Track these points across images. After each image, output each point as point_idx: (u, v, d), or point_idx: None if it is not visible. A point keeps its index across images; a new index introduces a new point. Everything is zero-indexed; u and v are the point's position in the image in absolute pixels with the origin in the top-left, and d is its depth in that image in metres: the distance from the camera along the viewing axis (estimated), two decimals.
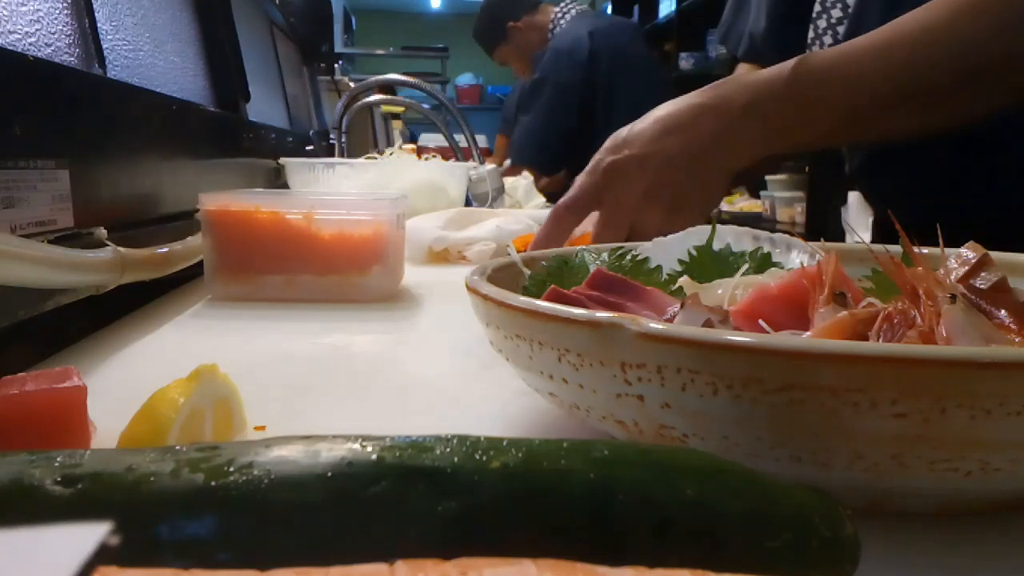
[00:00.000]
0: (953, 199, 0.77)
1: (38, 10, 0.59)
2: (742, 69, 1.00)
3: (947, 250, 0.36)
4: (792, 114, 0.61)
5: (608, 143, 0.66)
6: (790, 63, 0.61)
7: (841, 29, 0.81)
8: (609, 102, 2.39)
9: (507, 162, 2.62)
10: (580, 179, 0.67)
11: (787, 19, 0.91)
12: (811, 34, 0.84)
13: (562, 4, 2.59)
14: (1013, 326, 0.29)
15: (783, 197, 2.82)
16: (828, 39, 0.82)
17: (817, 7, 0.83)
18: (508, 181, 1.72)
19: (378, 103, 2.02)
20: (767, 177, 2.87)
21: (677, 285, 0.43)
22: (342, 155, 1.60)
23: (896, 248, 0.40)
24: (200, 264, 0.66)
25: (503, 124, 3.50)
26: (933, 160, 0.76)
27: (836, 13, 0.81)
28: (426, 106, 2.17)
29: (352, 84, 2.06)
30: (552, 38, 2.55)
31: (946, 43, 0.58)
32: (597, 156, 0.66)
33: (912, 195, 0.81)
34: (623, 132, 0.66)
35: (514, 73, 2.91)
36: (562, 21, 2.56)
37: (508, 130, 3.16)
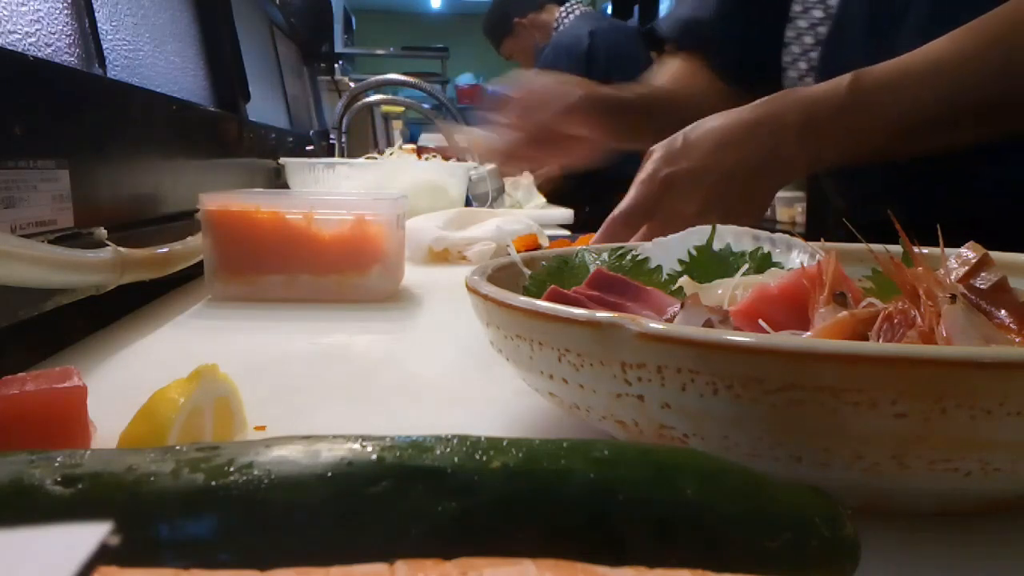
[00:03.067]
0: (923, 196, 0.78)
1: (38, 10, 0.59)
2: (670, 59, 0.99)
3: (947, 250, 0.36)
4: (846, 131, 0.62)
5: (662, 152, 0.66)
6: (844, 79, 0.61)
7: (822, 30, 0.81)
8: None
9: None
10: (636, 190, 0.66)
11: (740, 14, 0.92)
12: (790, 33, 0.84)
13: (567, 4, 2.63)
14: (1013, 326, 0.29)
15: (783, 197, 2.82)
16: (809, 39, 0.82)
17: (797, 7, 0.83)
18: (508, 181, 1.72)
19: (378, 103, 2.02)
20: None
21: (677, 285, 0.43)
22: (342, 155, 1.60)
23: (896, 248, 0.40)
24: (200, 264, 0.66)
25: None
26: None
27: (817, 13, 0.81)
28: (426, 106, 2.17)
29: (352, 84, 2.06)
30: (555, 34, 2.59)
31: (997, 60, 0.59)
32: (652, 166, 0.66)
33: (879, 192, 0.82)
34: (677, 142, 0.65)
35: (507, 56, 2.95)
36: (566, 20, 2.61)
37: None
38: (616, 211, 0.66)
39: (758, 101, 0.65)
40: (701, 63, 0.96)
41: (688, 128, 0.66)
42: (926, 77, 0.60)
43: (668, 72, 0.98)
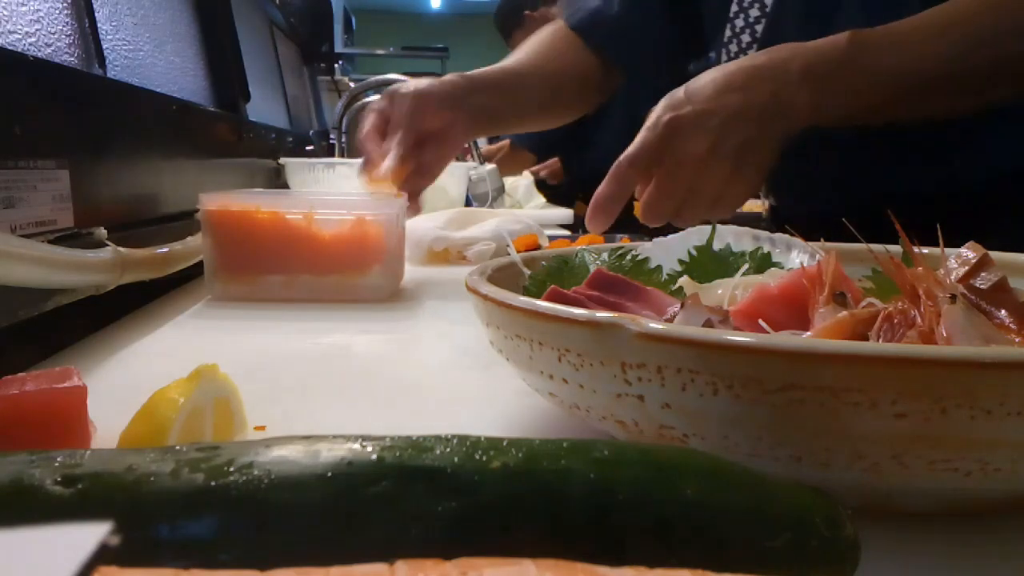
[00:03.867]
0: (858, 187, 0.78)
1: (38, 10, 0.59)
2: (559, 30, 0.98)
3: (947, 250, 0.36)
4: (844, 83, 0.62)
5: (665, 101, 0.65)
6: (844, 35, 0.62)
7: (759, 28, 0.81)
8: None
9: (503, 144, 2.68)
10: (641, 135, 0.65)
11: (652, 17, 0.93)
12: (727, 32, 0.85)
13: None
14: (1013, 326, 0.29)
15: None
16: (746, 37, 0.83)
17: (734, 7, 0.84)
18: (508, 181, 1.72)
19: None
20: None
21: (677, 285, 0.43)
22: (342, 155, 1.60)
23: (896, 248, 0.40)
24: (200, 264, 0.66)
25: None
26: (839, 149, 0.77)
27: (754, 12, 0.82)
28: None
29: (352, 84, 2.06)
30: None
31: (988, 28, 0.61)
32: (656, 113, 0.65)
33: (812, 185, 0.82)
34: (679, 91, 0.65)
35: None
36: None
37: None
38: (622, 156, 0.64)
39: (760, 51, 0.65)
40: (581, 46, 0.96)
41: (689, 81, 0.66)
42: (929, 34, 0.61)
43: (539, 43, 0.97)
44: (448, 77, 0.85)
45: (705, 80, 0.64)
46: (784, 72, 0.62)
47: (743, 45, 0.84)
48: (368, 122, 0.79)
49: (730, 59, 0.86)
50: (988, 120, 0.68)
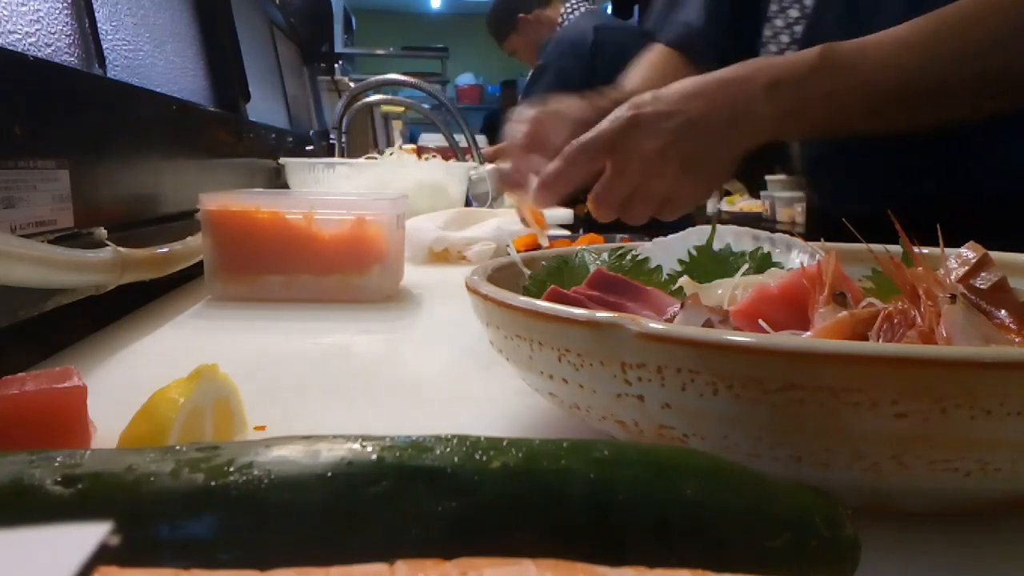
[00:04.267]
0: (899, 194, 0.78)
1: (38, 10, 0.59)
2: (661, 51, 1.01)
3: (947, 250, 0.36)
4: (811, 98, 0.62)
5: (634, 99, 0.66)
6: (815, 50, 0.62)
7: (799, 28, 0.81)
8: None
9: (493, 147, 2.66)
10: (599, 124, 0.65)
11: (725, 19, 0.94)
12: (767, 32, 0.85)
13: (571, 2, 2.63)
14: (1013, 326, 0.29)
15: (783, 197, 2.82)
16: (785, 38, 0.83)
17: (774, 7, 0.84)
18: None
19: (378, 103, 2.02)
20: (767, 177, 2.87)
21: (677, 285, 0.43)
22: (342, 155, 1.60)
23: (896, 248, 0.40)
24: (200, 264, 0.66)
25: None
26: (881, 155, 0.77)
27: (793, 13, 0.82)
28: (426, 106, 2.17)
29: (352, 84, 2.06)
30: (560, 28, 2.58)
31: (957, 46, 0.60)
32: (621, 107, 0.65)
33: (856, 190, 0.82)
34: (646, 95, 0.66)
35: (510, 53, 2.94)
36: (570, 16, 2.60)
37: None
38: (576, 141, 0.65)
39: (734, 65, 0.65)
40: (684, 60, 0.98)
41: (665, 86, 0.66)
42: (906, 49, 0.61)
43: (652, 66, 0.99)
44: (599, 103, 0.85)
45: (676, 86, 0.65)
46: (749, 84, 0.63)
47: (782, 46, 0.84)
48: (518, 131, 0.77)
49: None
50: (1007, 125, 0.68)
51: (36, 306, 0.49)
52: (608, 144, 0.64)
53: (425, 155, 1.58)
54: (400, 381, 0.45)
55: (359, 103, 1.72)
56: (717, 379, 0.24)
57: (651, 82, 0.97)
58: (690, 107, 0.63)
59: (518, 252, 0.45)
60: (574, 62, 2.43)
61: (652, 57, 1.01)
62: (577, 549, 0.18)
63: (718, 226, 0.48)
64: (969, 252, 0.34)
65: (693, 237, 0.47)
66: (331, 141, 1.66)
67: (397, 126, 3.11)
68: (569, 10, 2.61)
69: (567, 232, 1.22)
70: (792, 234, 0.46)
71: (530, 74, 2.65)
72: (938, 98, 0.61)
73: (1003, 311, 0.30)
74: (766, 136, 0.64)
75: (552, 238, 0.98)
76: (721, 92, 0.64)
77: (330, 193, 1.06)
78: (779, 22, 0.84)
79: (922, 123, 0.64)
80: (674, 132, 0.63)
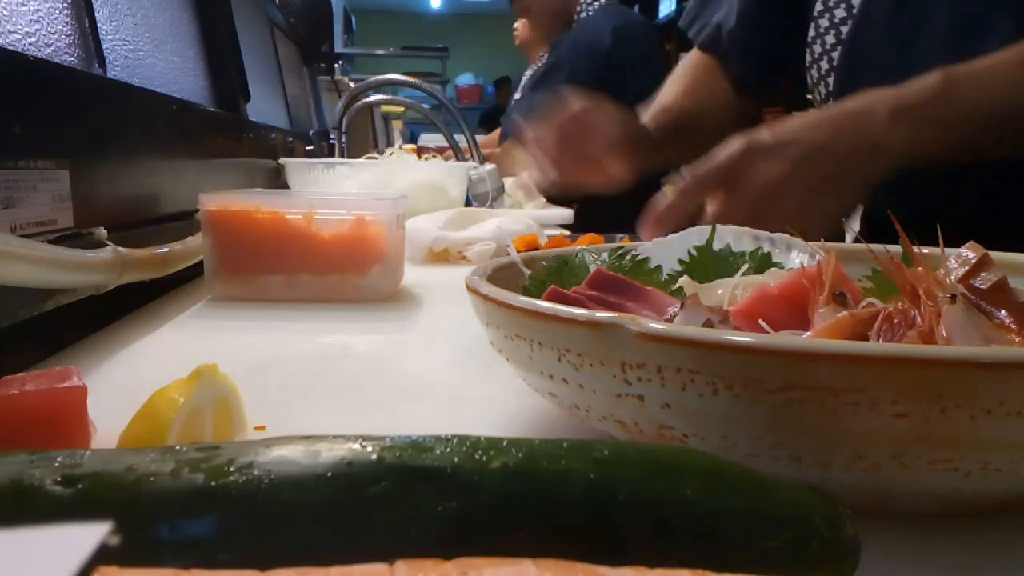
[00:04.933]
0: (946, 198, 0.78)
1: (38, 10, 0.59)
2: (695, 56, 1.00)
3: (947, 250, 0.36)
4: (937, 118, 0.61)
5: (743, 135, 0.64)
6: (936, 75, 0.61)
7: (845, 29, 0.81)
8: (616, 100, 2.41)
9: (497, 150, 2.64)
10: (714, 155, 0.64)
11: (762, 19, 0.93)
12: (812, 32, 0.84)
13: None
14: (1013, 326, 0.29)
15: None
16: (831, 39, 0.82)
17: (819, 6, 0.83)
18: (508, 181, 1.72)
19: (378, 103, 2.02)
20: None
21: (677, 285, 0.43)
22: (342, 155, 1.60)
23: (896, 248, 0.40)
24: (200, 264, 0.66)
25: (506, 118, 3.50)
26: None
27: (840, 13, 0.81)
28: (426, 106, 2.17)
29: (352, 84, 2.06)
30: (576, 23, 2.52)
31: None
32: (733, 140, 0.64)
33: (905, 191, 0.82)
34: (763, 131, 0.64)
35: (519, 41, 2.89)
36: (590, 9, 2.54)
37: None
38: (692, 174, 0.63)
39: (848, 98, 0.64)
40: (717, 66, 0.97)
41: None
42: (1010, 74, 0.61)
43: (687, 76, 0.99)
44: (635, 121, 0.85)
45: (796, 119, 0.64)
46: (871, 113, 0.62)
47: (827, 47, 0.83)
48: (562, 116, 0.78)
49: (814, 60, 0.85)
50: None
51: (36, 306, 0.49)
52: (726, 174, 0.63)
53: (425, 155, 1.58)
54: (400, 381, 0.45)
55: (359, 103, 1.72)
56: (717, 379, 0.24)
57: (686, 94, 0.97)
58: (813, 136, 0.62)
59: (518, 252, 0.45)
60: (588, 64, 2.40)
61: (686, 65, 1.00)
62: (577, 549, 0.18)
63: (718, 226, 0.48)
64: (969, 252, 0.34)
65: (693, 237, 0.47)
66: (331, 141, 1.66)
67: (397, 126, 3.12)
68: (588, 1, 2.57)
69: (567, 232, 1.22)
70: (792, 234, 0.46)
71: (538, 70, 2.62)
72: None
73: (1003, 311, 0.30)
74: (893, 164, 0.62)
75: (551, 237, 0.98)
76: (841, 121, 0.63)
77: (330, 193, 1.06)
78: (824, 22, 0.83)
79: None
80: (798, 160, 0.62)
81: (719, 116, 0.97)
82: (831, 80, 0.83)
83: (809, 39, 0.85)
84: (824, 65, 0.84)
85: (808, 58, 0.87)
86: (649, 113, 0.93)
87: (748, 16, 0.94)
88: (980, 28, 0.65)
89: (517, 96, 3.01)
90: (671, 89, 0.98)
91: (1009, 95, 0.60)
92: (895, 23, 0.76)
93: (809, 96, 0.91)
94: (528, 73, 3.16)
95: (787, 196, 0.62)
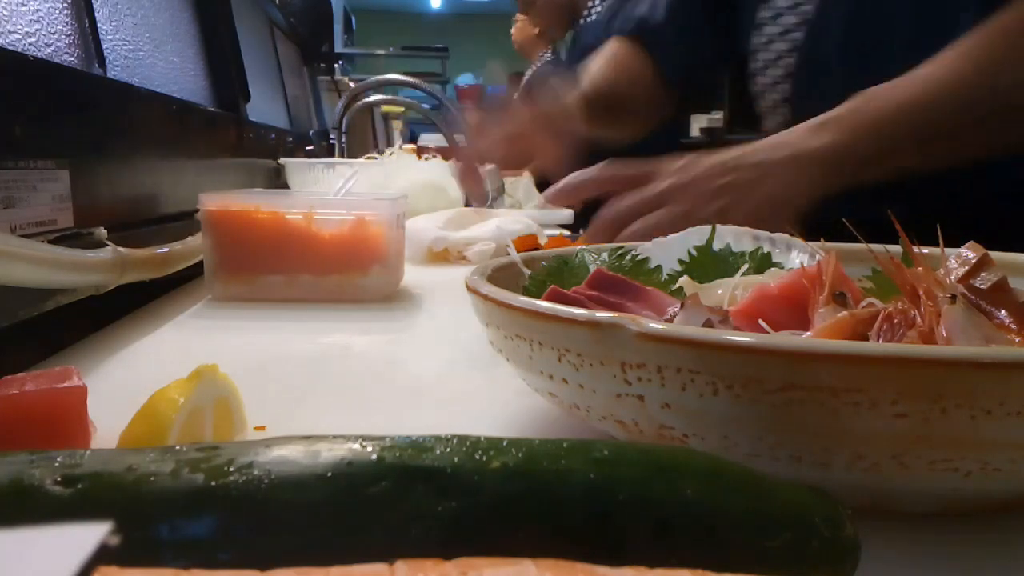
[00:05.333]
0: (929, 197, 0.78)
1: (38, 10, 0.59)
2: (616, 42, 1.00)
3: (947, 250, 0.36)
4: (859, 128, 0.63)
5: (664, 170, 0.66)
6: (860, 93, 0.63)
7: (798, 35, 0.81)
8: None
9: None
10: (652, 171, 0.65)
11: (687, 17, 0.94)
12: (758, 39, 0.85)
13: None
14: (1013, 326, 0.29)
15: None
16: (782, 44, 0.83)
17: (765, 13, 0.83)
18: (508, 181, 1.72)
19: (378, 103, 2.02)
20: None
21: (677, 285, 0.43)
22: (342, 155, 1.60)
23: (896, 248, 0.40)
24: (200, 264, 0.66)
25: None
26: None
27: (791, 19, 0.82)
28: (426, 106, 2.17)
29: (352, 84, 2.06)
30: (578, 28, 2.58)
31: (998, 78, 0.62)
32: (656, 183, 0.65)
33: (889, 190, 0.82)
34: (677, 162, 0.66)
35: (517, 42, 2.93)
36: (596, 10, 2.58)
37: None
38: (608, 211, 0.64)
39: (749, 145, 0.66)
40: (642, 52, 0.98)
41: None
42: (931, 80, 0.62)
43: (613, 58, 0.99)
44: (570, 106, 0.85)
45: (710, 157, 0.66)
46: (791, 131, 0.65)
47: (779, 53, 0.83)
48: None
49: (761, 68, 0.86)
50: None
51: (36, 306, 0.49)
52: (656, 203, 0.64)
53: (425, 155, 1.58)
54: (400, 381, 0.45)
55: (359, 103, 1.72)
56: (717, 379, 0.24)
57: (615, 73, 0.96)
58: (737, 153, 0.64)
59: (518, 252, 0.45)
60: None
61: (609, 50, 1.00)
62: (577, 549, 0.18)
63: (718, 226, 0.48)
64: (969, 252, 0.34)
65: (693, 237, 0.47)
66: (331, 141, 1.66)
67: (397, 126, 3.12)
68: (548, 55, 2.65)
69: (567, 232, 1.22)
70: (792, 234, 0.46)
71: (541, 69, 2.68)
72: (979, 125, 0.62)
73: (1003, 311, 0.30)
74: (827, 171, 0.63)
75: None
76: (764, 140, 0.64)
77: (330, 193, 1.06)
78: (772, 29, 0.83)
79: (973, 152, 0.64)
80: (702, 168, 0.63)
81: (646, 96, 0.98)
82: (786, 87, 0.84)
83: (754, 47, 0.85)
84: (777, 72, 0.85)
85: (754, 66, 0.87)
86: (580, 90, 0.93)
87: (675, 11, 0.95)
88: (942, 27, 0.65)
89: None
90: (599, 70, 0.98)
91: (930, 100, 0.61)
92: (854, 27, 0.77)
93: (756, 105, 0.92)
94: (530, 72, 3.21)
95: (703, 204, 0.63)
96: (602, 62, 0.98)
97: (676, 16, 0.95)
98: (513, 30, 2.80)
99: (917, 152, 0.64)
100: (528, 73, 3.29)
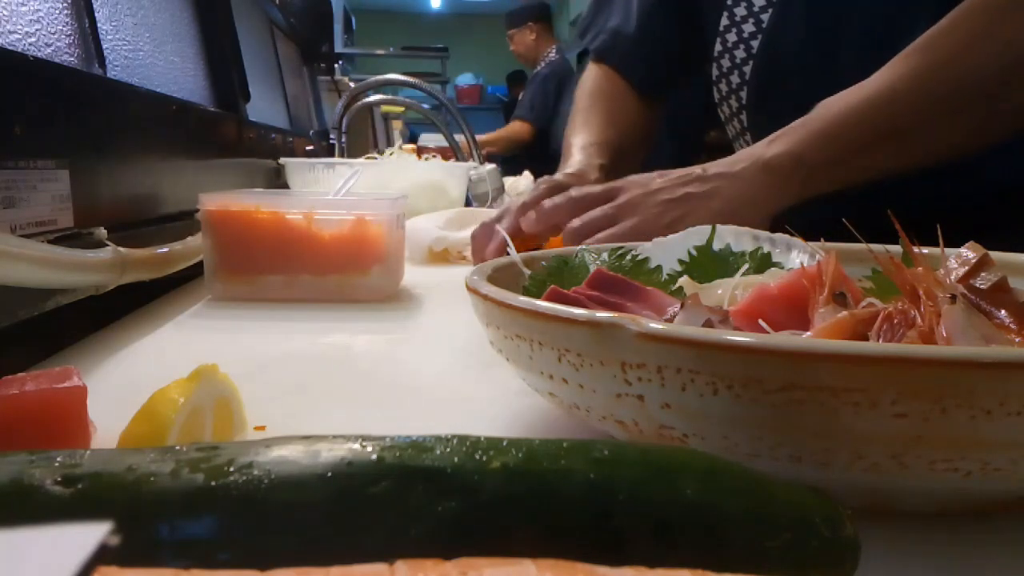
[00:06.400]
0: (929, 197, 0.79)
1: (38, 10, 0.59)
2: (596, 70, 1.02)
3: (947, 250, 0.36)
4: (812, 133, 0.64)
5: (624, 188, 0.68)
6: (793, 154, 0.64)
7: (755, 44, 0.81)
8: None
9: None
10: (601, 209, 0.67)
11: (659, 24, 0.96)
12: (718, 47, 0.85)
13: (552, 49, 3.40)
14: (1013, 326, 0.29)
15: None
16: (740, 53, 0.83)
17: (725, 20, 0.83)
18: (508, 181, 1.72)
19: (378, 103, 2.02)
20: None
21: (677, 285, 0.43)
22: (342, 155, 1.60)
23: (896, 248, 0.40)
24: (200, 264, 0.66)
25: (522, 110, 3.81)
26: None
27: (748, 28, 0.82)
28: (426, 106, 2.17)
29: (352, 84, 2.06)
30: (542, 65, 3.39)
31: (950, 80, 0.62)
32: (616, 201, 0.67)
33: (889, 190, 0.83)
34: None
35: (517, 51, 3.50)
36: (548, 57, 3.44)
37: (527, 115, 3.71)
38: (573, 225, 0.67)
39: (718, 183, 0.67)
40: (616, 73, 1.00)
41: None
42: (880, 84, 0.63)
43: (602, 101, 1.01)
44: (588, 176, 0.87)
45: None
46: (755, 146, 0.66)
47: (736, 60, 0.84)
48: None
49: (722, 74, 0.87)
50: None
51: (36, 306, 0.48)
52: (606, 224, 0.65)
53: (425, 155, 1.58)
54: (400, 381, 0.45)
55: (359, 103, 1.71)
56: (717, 379, 0.24)
57: (610, 125, 0.98)
58: (698, 168, 0.66)
59: (518, 252, 0.45)
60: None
61: (595, 88, 1.02)
62: (577, 549, 0.18)
63: (718, 226, 0.48)
64: (969, 252, 0.34)
65: (693, 237, 0.47)
66: (331, 141, 1.66)
67: (397, 126, 3.12)
68: (553, 53, 3.49)
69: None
70: (792, 234, 0.46)
71: (542, 69, 3.42)
72: (933, 121, 0.63)
73: (1003, 311, 0.30)
74: (787, 178, 0.64)
75: None
76: (733, 155, 0.66)
77: (330, 193, 1.05)
78: (731, 36, 0.84)
79: (950, 148, 0.65)
80: (684, 183, 0.65)
81: (638, 136, 1.01)
82: (744, 94, 0.85)
83: (715, 53, 0.86)
84: (735, 79, 0.85)
85: (715, 72, 0.87)
86: (586, 153, 0.93)
87: (647, 18, 0.96)
88: (899, 32, 0.66)
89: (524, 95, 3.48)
90: (595, 121, 0.99)
91: (889, 88, 0.62)
92: (810, 35, 0.77)
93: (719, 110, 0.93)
94: (536, 71, 3.55)
95: (657, 216, 0.65)
96: (599, 111, 0.99)
97: (647, 26, 0.97)
98: (511, 46, 2.99)
99: (881, 152, 0.65)
100: (536, 71, 3.59)
